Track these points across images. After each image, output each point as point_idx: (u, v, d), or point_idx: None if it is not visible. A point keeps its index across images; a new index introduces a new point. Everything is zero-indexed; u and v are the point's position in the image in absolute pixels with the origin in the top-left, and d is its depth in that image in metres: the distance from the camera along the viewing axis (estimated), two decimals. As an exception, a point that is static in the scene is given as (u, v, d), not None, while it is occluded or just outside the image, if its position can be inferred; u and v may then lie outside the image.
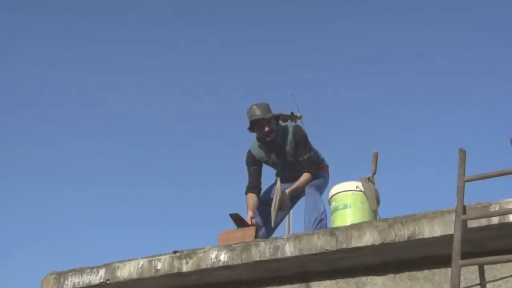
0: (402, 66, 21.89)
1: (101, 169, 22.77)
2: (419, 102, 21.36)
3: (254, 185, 7.00)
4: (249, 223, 6.55)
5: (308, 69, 22.08)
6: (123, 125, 22.88)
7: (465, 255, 4.54)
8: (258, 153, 6.91)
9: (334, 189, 6.52)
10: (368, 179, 6.28)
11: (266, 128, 6.71)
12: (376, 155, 6.32)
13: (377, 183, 6.34)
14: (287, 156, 6.84)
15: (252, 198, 6.91)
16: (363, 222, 5.24)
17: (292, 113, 10.17)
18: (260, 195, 7.01)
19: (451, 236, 4.59)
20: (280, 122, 7.09)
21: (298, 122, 10.07)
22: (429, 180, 20.12)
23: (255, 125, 6.77)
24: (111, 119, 22.62)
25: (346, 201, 6.34)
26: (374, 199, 6.21)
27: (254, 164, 6.97)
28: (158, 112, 22.67)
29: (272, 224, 6.60)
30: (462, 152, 4.89)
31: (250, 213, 6.75)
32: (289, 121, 10.02)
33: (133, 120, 22.73)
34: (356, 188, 6.36)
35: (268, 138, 6.75)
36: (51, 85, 22.08)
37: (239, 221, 6.40)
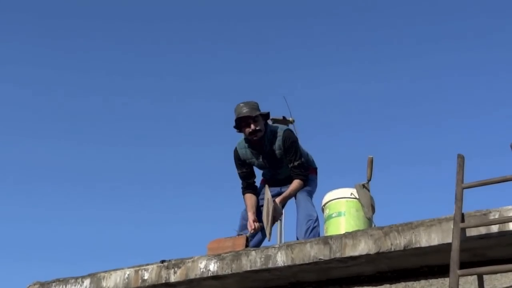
0: (399, 67, 21.92)
1: (85, 174, 22.70)
2: (417, 105, 21.38)
3: (249, 185, 6.97)
4: (252, 226, 6.60)
5: (301, 69, 22.09)
6: (112, 129, 22.86)
7: (463, 265, 4.53)
8: (244, 153, 6.87)
9: (328, 196, 6.50)
10: (363, 185, 6.26)
11: (252, 126, 6.66)
12: (371, 161, 6.30)
13: (372, 190, 6.33)
14: (274, 160, 6.81)
15: (250, 198, 6.88)
16: (357, 231, 5.22)
17: (284, 117, 10.14)
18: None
19: (449, 245, 4.58)
20: (270, 122, 7.04)
21: (290, 126, 10.06)
22: (426, 187, 20.15)
23: (241, 123, 6.73)
24: (98, 122, 22.58)
25: (340, 209, 6.32)
26: (369, 206, 6.20)
27: (242, 166, 6.93)
28: (147, 114, 22.65)
29: (269, 238, 6.56)
30: (461, 158, 4.88)
31: (251, 216, 6.72)
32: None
33: (121, 124, 22.72)
34: (351, 195, 6.34)
35: (255, 137, 6.70)
36: (45, 84, 22.13)
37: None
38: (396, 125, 21.80)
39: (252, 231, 6.55)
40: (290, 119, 10.12)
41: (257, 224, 6.64)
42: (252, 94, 20.55)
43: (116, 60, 23.02)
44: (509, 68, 20.48)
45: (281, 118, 10.06)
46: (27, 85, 21.90)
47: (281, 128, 6.93)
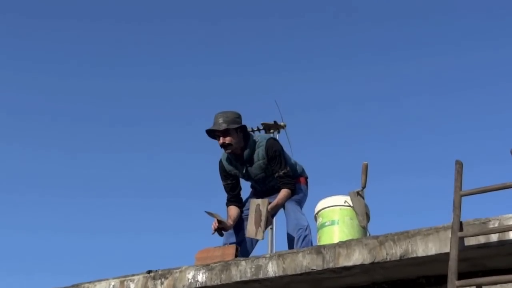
0: (395, 70, 21.95)
1: (70, 183, 22.65)
2: (414, 110, 21.41)
3: (233, 197, 6.96)
4: (214, 226, 6.56)
5: (295, 72, 22.09)
6: (100, 135, 22.83)
7: (462, 275, 4.52)
8: (228, 164, 6.88)
9: (321, 204, 6.48)
10: (357, 193, 6.24)
11: (221, 140, 6.66)
12: (366, 167, 6.28)
13: (367, 198, 6.32)
14: (258, 170, 6.79)
15: (231, 210, 6.88)
16: (351, 240, 5.20)
17: (275, 122, 10.14)
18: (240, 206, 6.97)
19: (447, 255, 4.57)
20: (255, 133, 7.00)
21: (282, 131, 10.06)
22: (423, 194, 20.18)
23: (213, 135, 6.73)
24: (82, 128, 22.54)
25: (334, 217, 6.31)
26: (363, 214, 6.18)
27: (227, 178, 6.93)
28: (134, 119, 22.61)
29: (262, 237, 6.50)
30: (459, 164, 4.87)
31: (229, 221, 6.71)
32: (271, 130, 10.01)
33: (108, 130, 22.68)
34: (344, 203, 6.33)
35: (227, 151, 6.70)
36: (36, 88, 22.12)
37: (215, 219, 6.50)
38: (392, 130, 21.86)
39: (213, 231, 6.55)
40: (282, 123, 10.12)
41: (219, 226, 6.60)
42: (243, 98, 20.56)
43: (102, 63, 23.01)
44: (508, 73, 20.52)
45: (273, 122, 10.06)
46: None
47: (264, 137, 6.92)
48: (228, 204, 6.94)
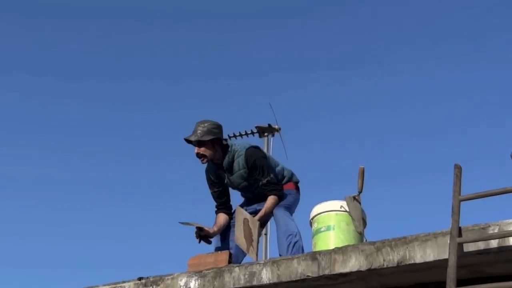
0: (393, 73, 21.96)
1: (59, 187, 22.62)
2: (412, 112, 21.41)
3: (221, 204, 6.97)
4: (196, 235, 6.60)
5: (290, 74, 22.09)
6: (92, 139, 22.81)
7: (461, 282, 4.52)
8: (212, 173, 6.90)
9: (316, 209, 6.47)
10: (354, 198, 6.23)
11: (196, 150, 6.70)
12: (362, 172, 6.28)
13: (363, 203, 6.31)
14: (239, 179, 6.79)
15: (220, 217, 6.89)
16: (348, 246, 5.20)
17: (269, 125, 10.14)
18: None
19: (445, 261, 4.57)
20: (233, 143, 6.98)
21: (276, 134, 10.06)
22: (421, 199, 20.15)
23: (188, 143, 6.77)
24: (72, 131, 22.51)
25: (329, 223, 6.30)
26: (360, 220, 6.17)
27: (213, 186, 6.96)
28: (124, 124, 22.61)
29: (256, 258, 6.49)
30: (458, 168, 4.87)
31: (214, 227, 6.72)
32: (266, 133, 10.00)
33: (96, 134, 22.67)
34: (340, 208, 6.32)
35: (203, 161, 6.72)
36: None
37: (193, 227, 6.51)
38: (389, 134, 21.84)
39: (198, 240, 6.60)
40: (276, 126, 10.12)
41: (202, 233, 6.62)
42: (237, 100, 20.56)
43: (101, 65, 23.02)
44: (507, 75, 20.54)
45: (267, 125, 10.05)
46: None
47: (243, 146, 6.89)
48: (217, 212, 6.96)
